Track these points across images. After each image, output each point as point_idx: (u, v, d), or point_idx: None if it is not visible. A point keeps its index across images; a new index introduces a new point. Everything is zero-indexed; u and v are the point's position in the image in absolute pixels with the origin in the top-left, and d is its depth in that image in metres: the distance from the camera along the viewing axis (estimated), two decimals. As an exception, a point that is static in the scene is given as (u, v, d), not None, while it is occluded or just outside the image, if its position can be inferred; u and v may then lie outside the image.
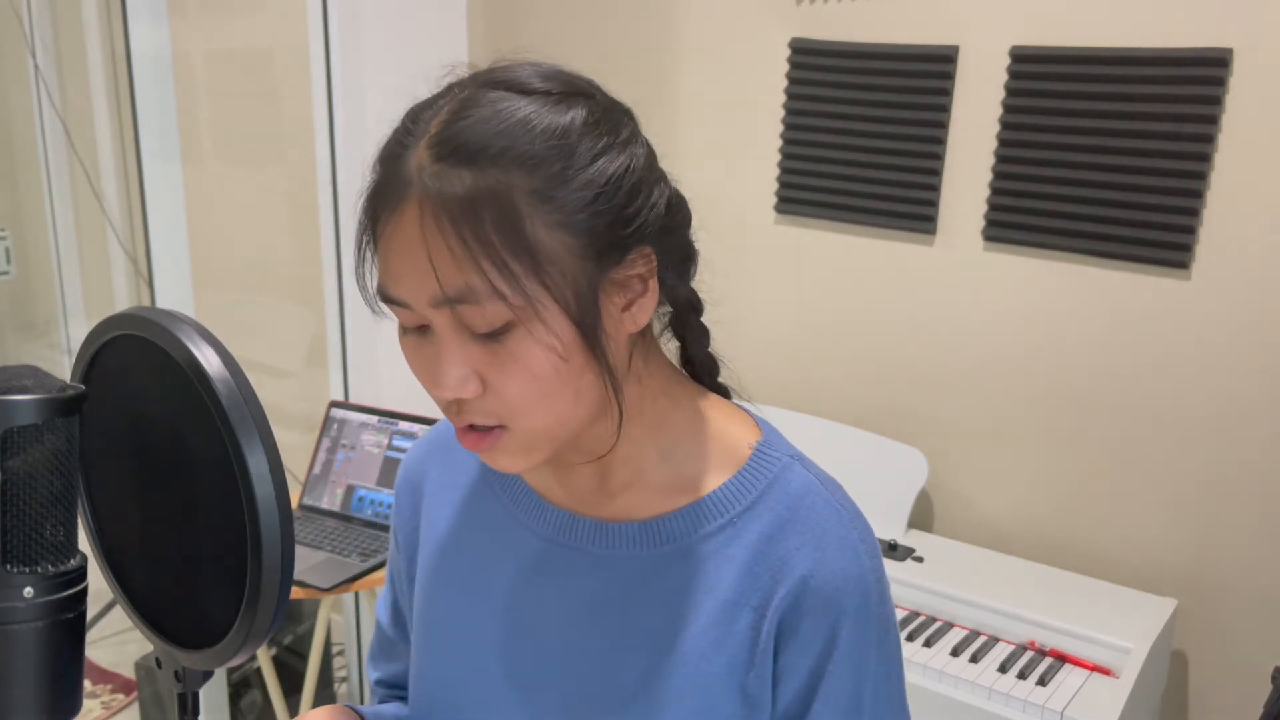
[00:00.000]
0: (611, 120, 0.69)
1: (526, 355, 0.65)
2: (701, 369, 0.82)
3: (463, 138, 0.64)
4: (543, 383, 0.66)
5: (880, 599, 0.74)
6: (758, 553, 0.74)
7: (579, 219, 0.65)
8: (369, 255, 0.69)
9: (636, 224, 0.68)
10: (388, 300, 0.68)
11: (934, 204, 2.12)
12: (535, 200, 0.63)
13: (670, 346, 0.81)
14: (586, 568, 0.77)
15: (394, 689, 0.97)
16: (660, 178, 0.72)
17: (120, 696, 2.80)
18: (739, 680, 0.73)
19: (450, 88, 0.68)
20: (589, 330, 0.66)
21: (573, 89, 0.68)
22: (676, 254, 0.74)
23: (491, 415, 0.68)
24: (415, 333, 0.68)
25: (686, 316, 0.80)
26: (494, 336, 0.65)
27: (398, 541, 0.91)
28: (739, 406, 0.82)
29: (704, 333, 0.81)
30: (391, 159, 0.66)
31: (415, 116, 0.67)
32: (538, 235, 0.63)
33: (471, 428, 0.70)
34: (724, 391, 0.84)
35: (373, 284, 0.69)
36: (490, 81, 0.67)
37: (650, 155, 0.71)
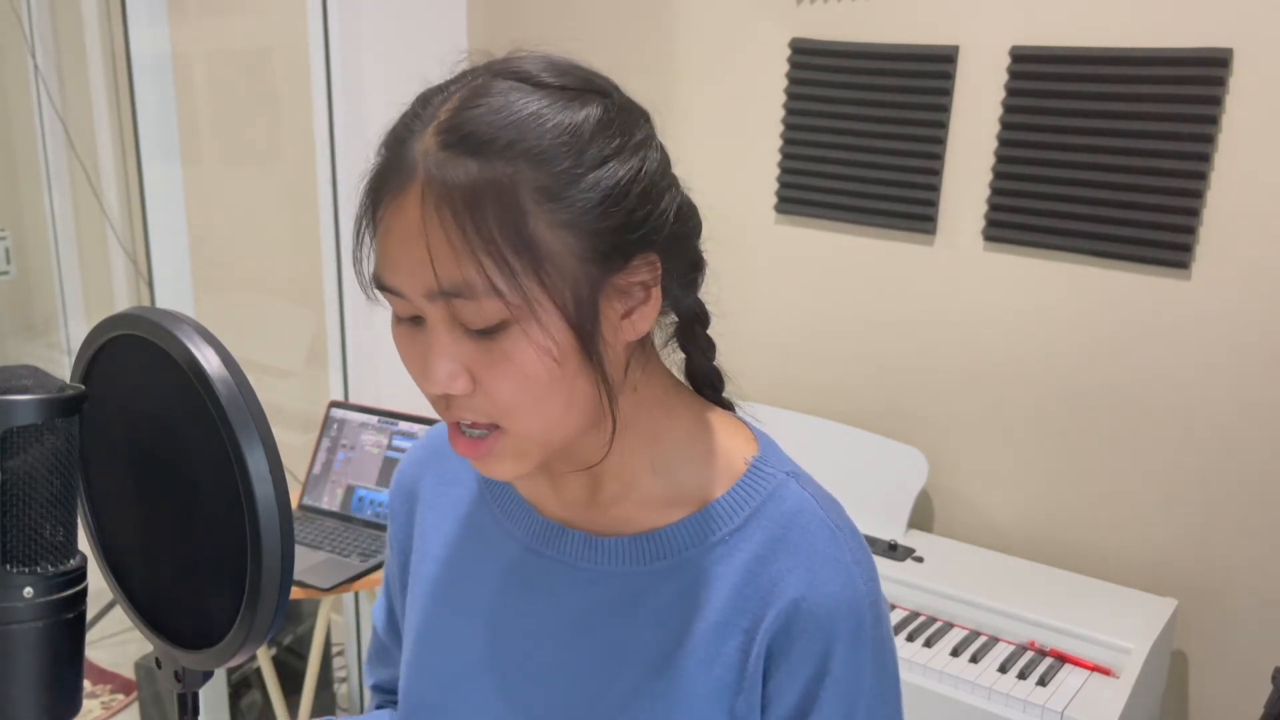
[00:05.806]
0: (626, 121, 0.66)
1: (520, 355, 0.63)
2: (704, 382, 0.80)
3: (471, 126, 0.62)
4: (535, 385, 0.64)
5: (875, 623, 0.72)
6: (749, 573, 0.71)
7: (584, 220, 0.63)
8: (367, 239, 0.66)
9: (644, 230, 0.65)
10: (382, 288, 0.66)
11: (934, 204, 2.12)
12: (541, 197, 0.61)
13: (675, 358, 0.79)
14: (575, 582, 0.75)
15: (390, 694, 0.96)
16: (672, 184, 0.69)
17: (120, 696, 2.80)
18: (727, 704, 0.71)
19: (463, 74, 0.66)
20: (586, 335, 0.64)
21: (589, 86, 0.66)
22: (683, 263, 0.72)
23: (482, 414, 0.66)
24: (409, 323, 0.66)
25: (692, 328, 0.77)
26: (488, 334, 0.63)
27: (393, 547, 0.90)
28: (739, 420, 0.79)
29: (710, 345, 0.79)
30: (397, 142, 0.64)
31: (425, 101, 0.65)
32: (540, 233, 0.61)
33: (461, 434, 0.68)
34: (727, 405, 0.81)
35: (369, 269, 0.67)
36: (504, 71, 0.65)
37: (664, 160, 0.69)
